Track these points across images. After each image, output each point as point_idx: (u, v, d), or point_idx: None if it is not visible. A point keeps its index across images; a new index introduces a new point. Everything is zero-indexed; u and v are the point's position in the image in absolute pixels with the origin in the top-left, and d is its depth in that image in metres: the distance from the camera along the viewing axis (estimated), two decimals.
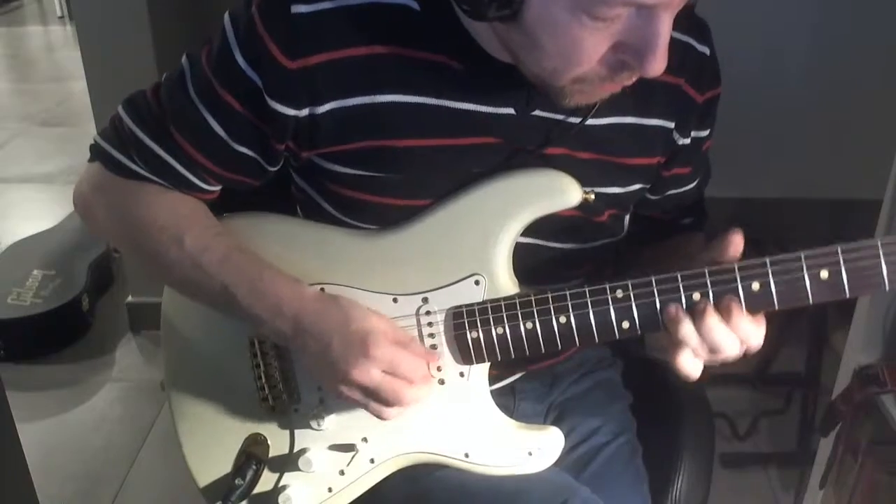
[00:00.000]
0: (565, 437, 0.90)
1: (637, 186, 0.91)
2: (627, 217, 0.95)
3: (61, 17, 6.03)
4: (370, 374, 0.79)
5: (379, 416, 0.83)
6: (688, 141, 0.90)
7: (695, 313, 0.75)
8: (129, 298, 2.39)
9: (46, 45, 5.80)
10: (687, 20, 0.86)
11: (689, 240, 1.01)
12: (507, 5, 0.68)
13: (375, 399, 0.81)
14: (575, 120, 0.83)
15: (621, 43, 0.70)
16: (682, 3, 0.67)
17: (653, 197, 0.96)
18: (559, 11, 0.67)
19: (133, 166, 0.88)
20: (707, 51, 0.88)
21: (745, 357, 0.79)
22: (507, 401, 0.98)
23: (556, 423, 1.00)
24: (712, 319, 0.75)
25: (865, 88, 2.22)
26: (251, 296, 0.83)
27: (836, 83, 2.25)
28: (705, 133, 0.93)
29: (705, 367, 0.79)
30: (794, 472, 1.79)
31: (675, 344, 0.77)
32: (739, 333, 0.75)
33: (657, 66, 0.69)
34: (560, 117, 0.83)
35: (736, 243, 0.76)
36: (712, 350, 0.76)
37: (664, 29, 0.68)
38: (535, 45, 0.71)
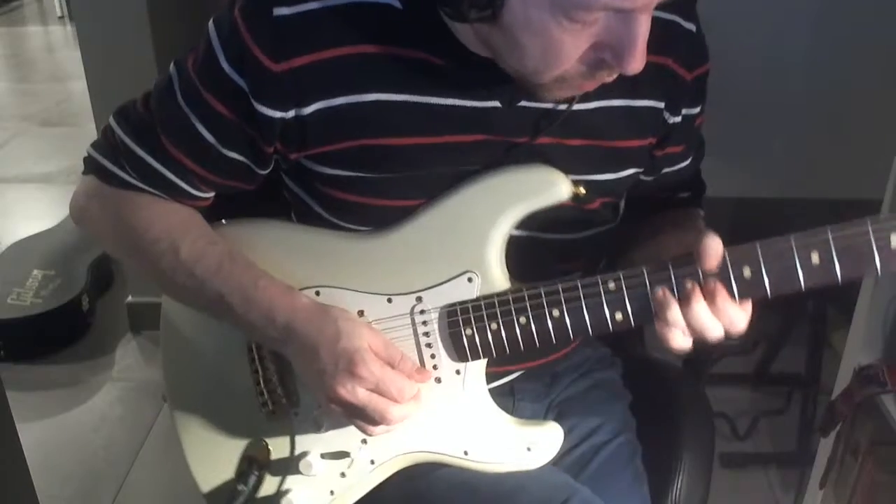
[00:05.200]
0: (564, 436, 0.90)
1: (630, 171, 0.91)
2: (621, 204, 0.95)
3: (61, 17, 6.02)
4: (355, 393, 0.80)
5: (364, 433, 0.84)
6: (679, 119, 0.90)
7: (682, 298, 0.76)
8: (129, 298, 2.39)
9: (46, 45, 5.80)
10: None
11: (686, 215, 1.00)
12: (487, 7, 0.69)
13: (361, 417, 0.82)
14: (562, 107, 0.83)
15: (600, 42, 0.70)
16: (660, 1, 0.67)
17: (648, 178, 0.95)
18: (538, 14, 0.68)
19: (125, 176, 0.88)
20: (693, 28, 0.88)
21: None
22: (506, 401, 0.98)
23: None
24: (699, 306, 0.75)
25: (865, 88, 2.21)
26: (245, 304, 0.84)
27: (836, 83, 2.25)
28: (696, 110, 0.92)
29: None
30: (794, 472, 1.79)
31: (664, 324, 0.77)
32: (724, 319, 0.76)
33: (635, 64, 0.70)
34: (547, 106, 0.83)
35: (713, 256, 0.75)
36: (695, 333, 0.77)
37: (642, 29, 0.68)
38: (515, 45, 0.72)
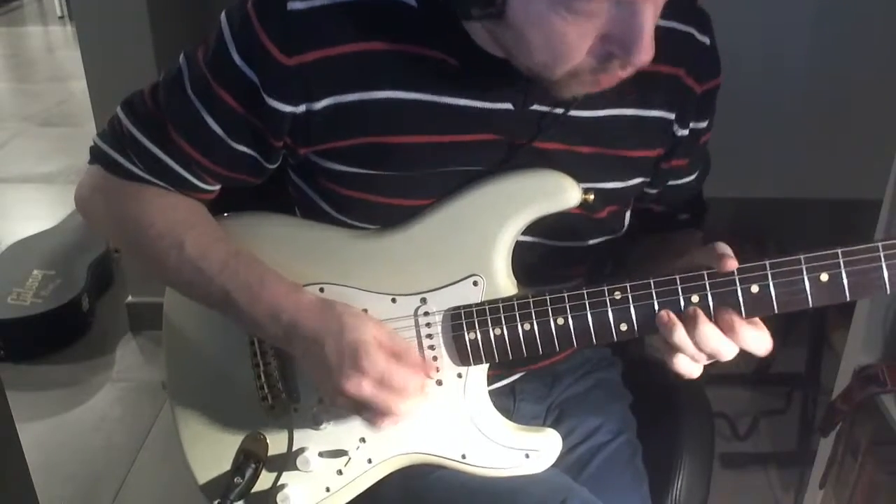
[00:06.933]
0: (565, 437, 0.90)
1: (637, 181, 0.91)
2: (627, 213, 0.95)
3: (61, 17, 6.03)
4: (361, 386, 0.79)
5: (371, 426, 0.83)
6: (686, 132, 0.90)
7: (688, 321, 0.75)
8: (129, 298, 2.39)
9: (46, 45, 5.80)
10: (688, 10, 0.86)
11: (686, 237, 1.00)
12: (491, 4, 0.69)
13: (368, 410, 0.81)
14: (575, 113, 0.83)
15: (607, 35, 0.70)
16: None
17: (652, 190, 0.95)
18: (540, 7, 0.68)
19: (131, 167, 0.87)
20: (707, 41, 0.88)
21: (750, 357, 0.78)
22: (507, 402, 0.98)
23: (555, 423, 1.00)
24: (706, 327, 0.74)
25: (865, 88, 2.21)
26: (251, 302, 0.83)
27: (836, 83, 2.25)
28: (704, 124, 0.92)
29: (704, 366, 0.79)
30: (794, 472, 1.79)
31: (671, 348, 0.77)
32: (742, 342, 0.75)
33: (643, 56, 0.69)
34: (558, 111, 0.83)
35: (728, 265, 0.74)
36: (710, 356, 0.76)
37: (648, 20, 0.68)
38: (523, 41, 0.72)
